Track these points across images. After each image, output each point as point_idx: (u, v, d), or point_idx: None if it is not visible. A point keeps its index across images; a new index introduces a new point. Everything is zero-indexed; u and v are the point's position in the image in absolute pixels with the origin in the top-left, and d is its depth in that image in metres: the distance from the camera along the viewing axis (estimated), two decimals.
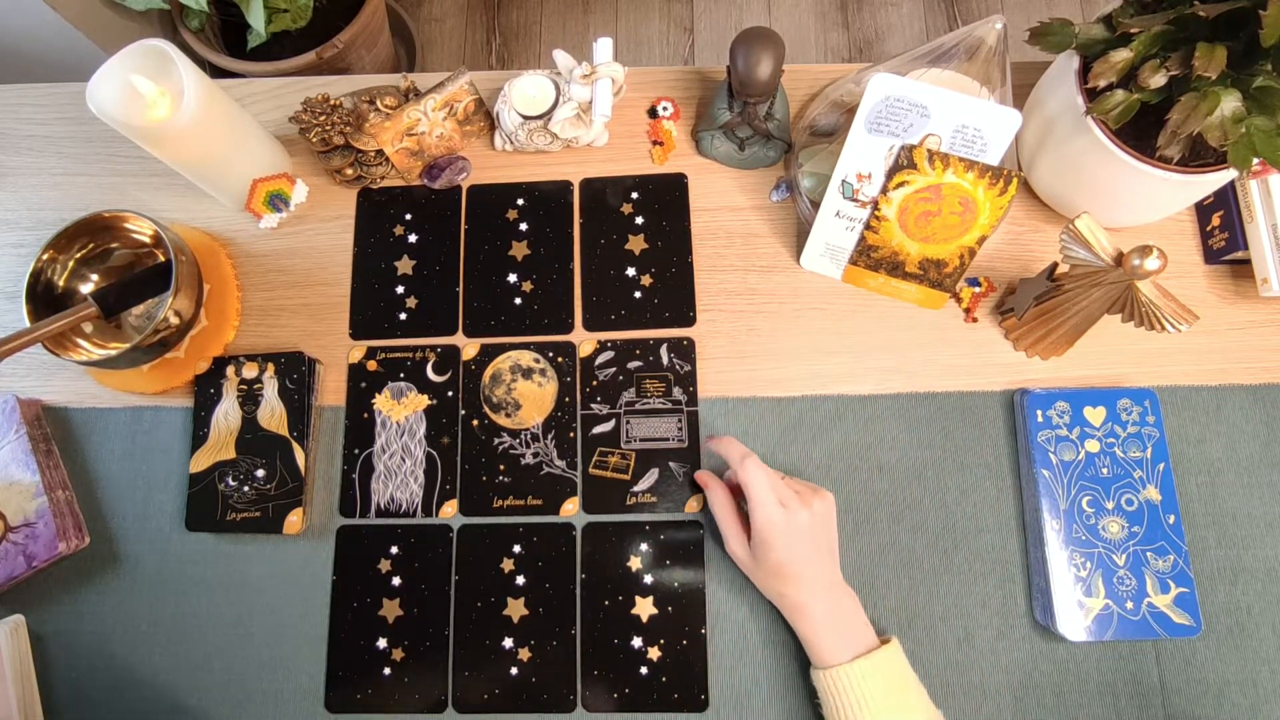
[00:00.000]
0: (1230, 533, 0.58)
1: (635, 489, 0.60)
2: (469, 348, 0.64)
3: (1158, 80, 0.48)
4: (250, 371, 0.62)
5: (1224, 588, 0.57)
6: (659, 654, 0.57)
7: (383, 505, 0.61)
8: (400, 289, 0.66)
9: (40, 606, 0.60)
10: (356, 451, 0.62)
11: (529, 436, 0.62)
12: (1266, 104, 0.46)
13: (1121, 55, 0.49)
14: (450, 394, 0.63)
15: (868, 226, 0.59)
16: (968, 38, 0.58)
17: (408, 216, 0.68)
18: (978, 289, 0.63)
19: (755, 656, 0.57)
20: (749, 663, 0.57)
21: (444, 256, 0.67)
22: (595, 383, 0.63)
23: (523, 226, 0.67)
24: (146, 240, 0.63)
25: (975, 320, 0.63)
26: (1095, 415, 0.58)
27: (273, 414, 0.61)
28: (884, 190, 0.56)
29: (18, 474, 0.59)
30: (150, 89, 0.56)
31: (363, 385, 0.64)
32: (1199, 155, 0.51)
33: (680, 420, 0.62)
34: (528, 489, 0.61)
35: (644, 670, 0.57)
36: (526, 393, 0.63)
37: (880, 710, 0.49)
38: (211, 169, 0.63)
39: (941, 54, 0.60)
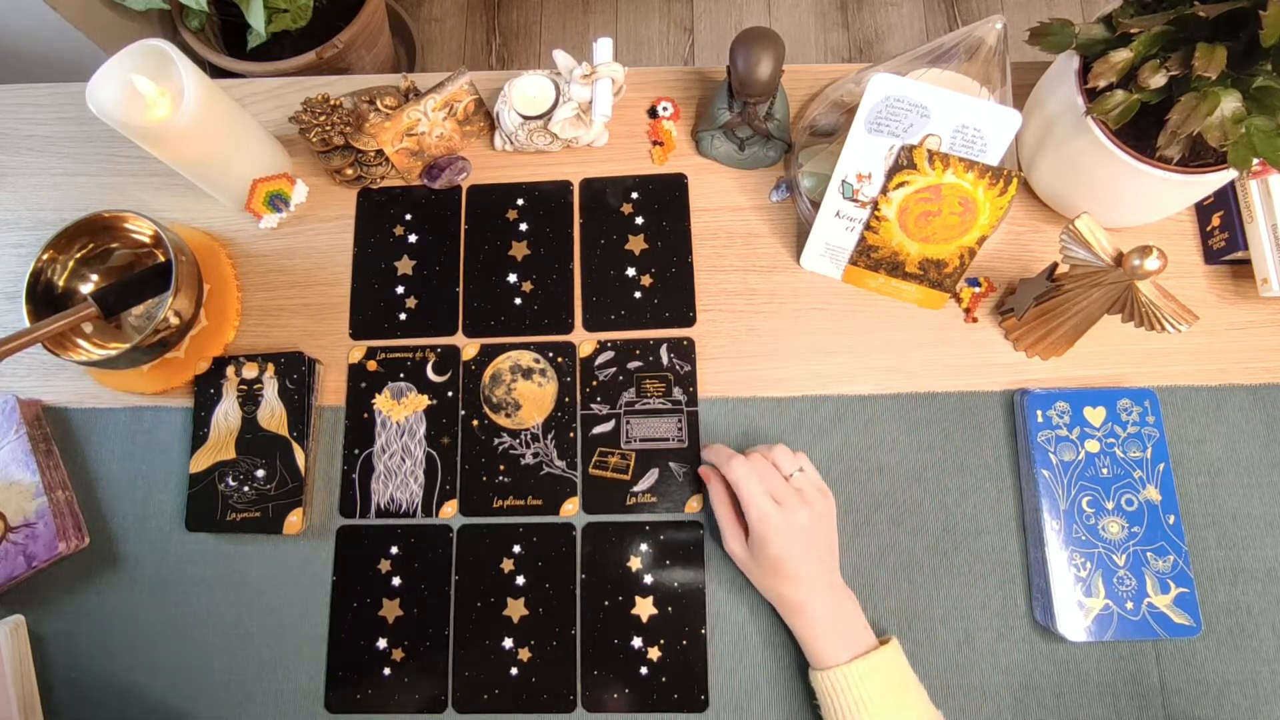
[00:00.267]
0: (1230, 533, 0.58)
1: (635, 489, 0.60)
2: (469, 348, 0.64)
3: (1158, 80, 0.48)
4: (250, 371, 0.62)
5: (1224, 588, 0.57)
6: (659, 654, 0.57)
7: (383, 505, 0.61)
8: (400, 289, 0.66)
9: (40, 606, 0.60)
10: (356, 451, 0.62)
11: (529, 436, 0.62)
12: (1266, 104, 0.46)
13: (1121, 55, 0.49)
14: (450, 394, 0.63)
15: (868, 226, 0.59)
16: (968, 38, 0.58)
17: (408, 216, 0.68)
18: (978, 289, 0.63)
19: (755, 657, 0.57)
20: (749, 663, 0.57)
21: (444, 256, 0.67)
22: (595, 383, 0.63)
23: (523, 226, 0.67)
24: (146, 240, 0.63)
25: (975, 320, 0.63)
26: (1095, 415, 0.58)
27: (273, 414, 0.61)
28: (884, 190, 0.56)
29: (18, 474, 0.59)
30: (150, 89, 0.56)
31: (363, 385, 0.64)
32: (1199, 155, 0.51)
33: (680, 420, 0.62)
34: (528, 489, 0.61)
35: (644, 670, 0.57)
36: (526, 393, 0.63)
37: (878, 711, 0.49)
38: (211, 169, 0.63)
39: (941, 54, 0.60)
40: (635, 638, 0.57)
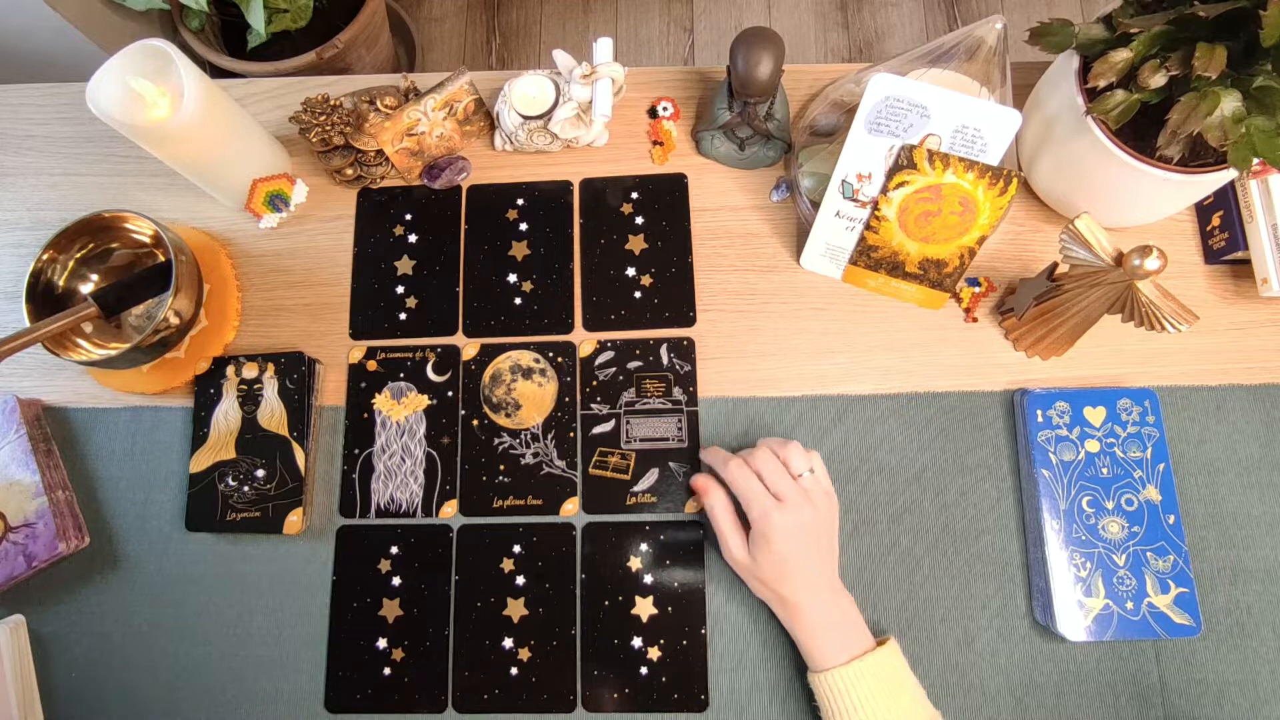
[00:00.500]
0: (1230, 533, 0.58)
1: (635, 489, 0.60)
2: (469, 348, 0.64)
3: (1158, 80, 0.48)
4: (250, 371, 0.62)
5: (1224, 588, 0.57)
6: (659, 654, 0.57)
7: (383, 505, 0.61)
8: (400, 289, 0.66)
9: (40, 606, 0.60)
10: (356, 451, 0.62)
11: (529, 436, 0.62)
12: (1266, 104, 0.46)
13: (1121, 55, 0.49)
14: (450, 394, 0.63)
15: (868, 226, 0.59)
16: (968, 38, 0.58)
17: (408, 216, 0.68)
18: (978, 289, 0.63)
19: (755, 657, 0.57)
20: (749, 663, 0.57)
21: (444, 256, 0.67)
22: (595, 383, 0.63)
23: (523, 226, 0.67)
24: (146, 240, 0.63)
25: (975, 320, 0.63)
26: (1095, 415, 0.58)
27: (273, 414, 0.61)
28: (884, 190, 0.56)
29: (18, 474, 0.59)
30: (150, 89, 0.56)
31: (363, 385, 0.64)
32: (1199, 155, 0.51)
33: (680, 420, 0.62)
34: (528, 489, 0.61)
35: (644, 670, 0.57)
36: (526, 393, 0.63)
37: (873, 712, 0.48)
38: (211, 169, 0.63)
39: (941, 54, 0.60)
40: (635, 638, 0.57)
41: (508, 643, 0.58)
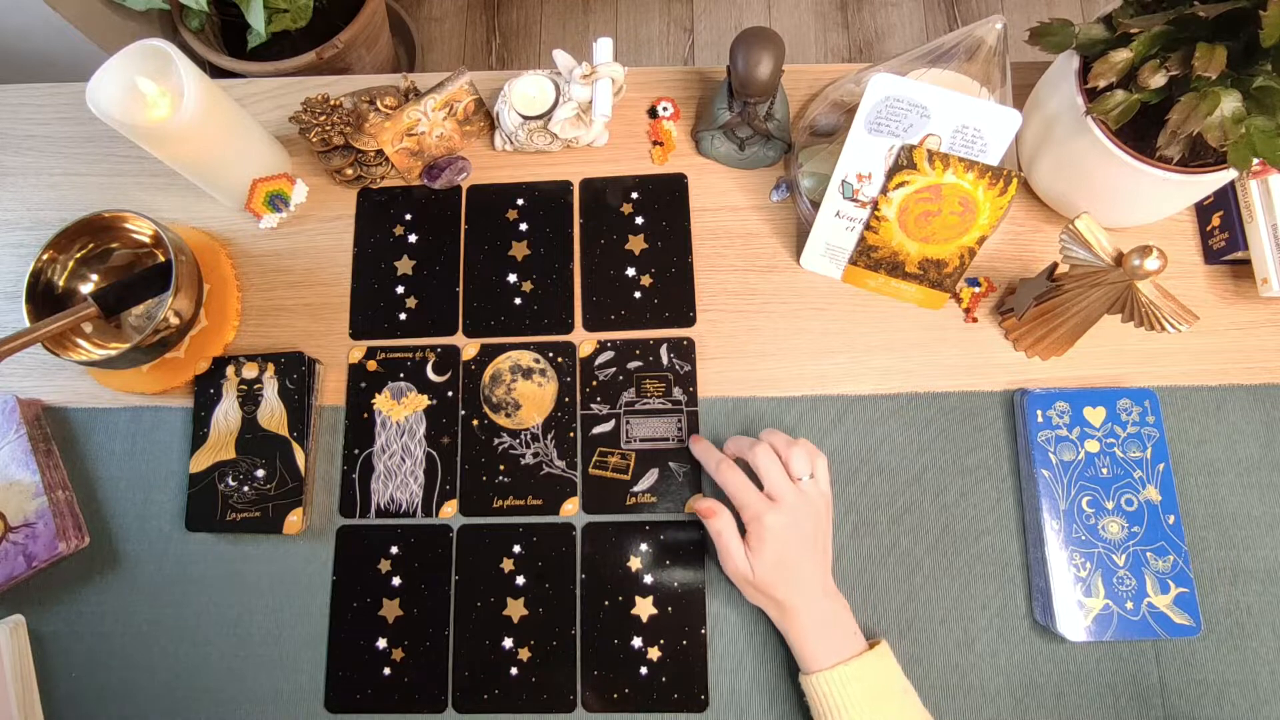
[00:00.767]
0: (1230, 533, 0.58)
1: (635, 489, 0.60)
2: (469, 348, 0.64)
3: (1158, 80, 0.48)
4: (250, 371, 0.62)
5: (1224, 588, 0.57)
6: (659, 654, 0.57)
7: (383, 505, 0.61)
8: (400, 289, 0.66)
9: (40, 606, 0.60)
10: (356, 451, 0.62)
11: (529, 436, 0.62)
12: (1266, 104, 0.46)
13: (1121, 55, 0.49)
14: (450, 394, 0.63)
15: (868, 226, 0.59)
16: (968, 38, 0.58)
17: (408, 216, 0.68)
18: (978, 289, 0.63)
19: (755, 657, 0.57)
20: (749, 663, 0.57)
21: (444, 256, 0.67)
22: (595, 383, 0.63)
23: (523, 226, 0.67)
24: (146, 240, 0.63)
25: (975, 320, 0.63)
26: (1095, 415, 0.58)
27: (273, 414, 0.61)
28: (884, 190, 0.56)
29: (18, 474, 0.59)
30: (150, 89, 0.56)
31: (363, 385, 0.64)
32: (1199, 155, 0.51)
33: (680, 420, 0.62)
34: (528, 489, 0.61)
35: (644, 670, 0.57)
36: (526, 393, 0.63)
37: (860, 716, 0.48)
38: (211, 169, 0.63)
39: (941, 54, 0.60)
40: (635, 638, 0.57)
41: (508, 643, 0.58)
